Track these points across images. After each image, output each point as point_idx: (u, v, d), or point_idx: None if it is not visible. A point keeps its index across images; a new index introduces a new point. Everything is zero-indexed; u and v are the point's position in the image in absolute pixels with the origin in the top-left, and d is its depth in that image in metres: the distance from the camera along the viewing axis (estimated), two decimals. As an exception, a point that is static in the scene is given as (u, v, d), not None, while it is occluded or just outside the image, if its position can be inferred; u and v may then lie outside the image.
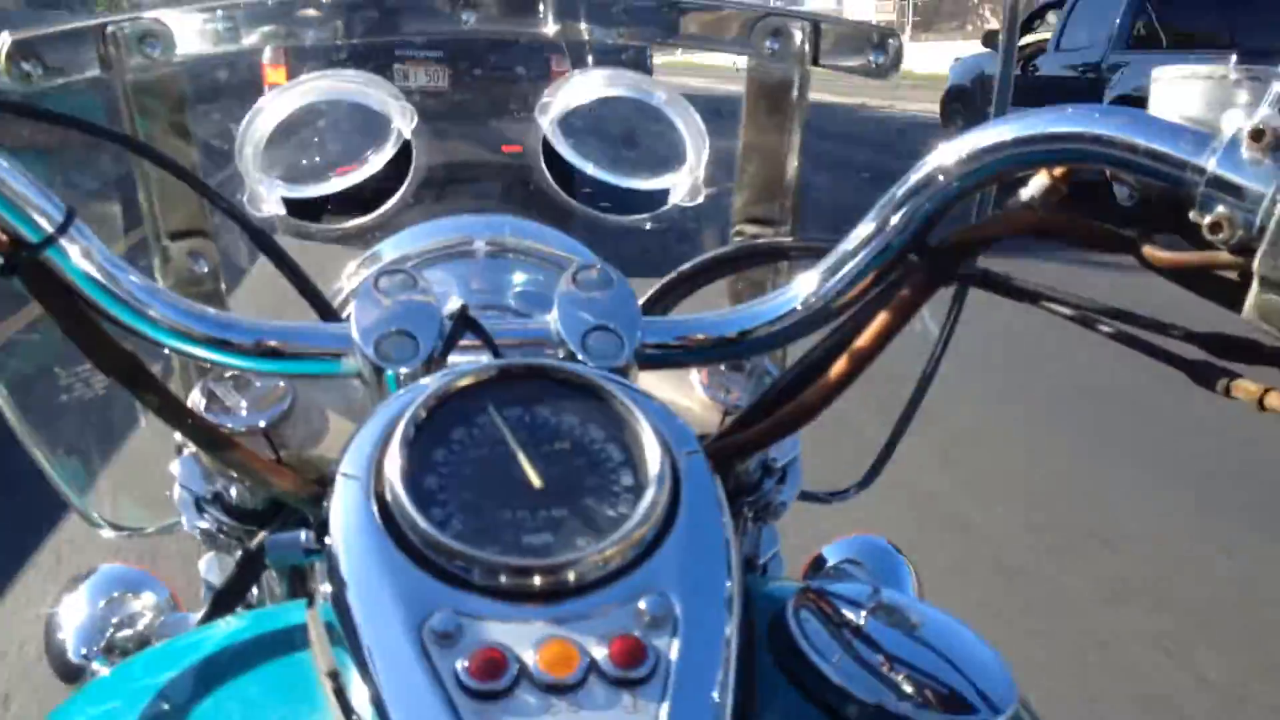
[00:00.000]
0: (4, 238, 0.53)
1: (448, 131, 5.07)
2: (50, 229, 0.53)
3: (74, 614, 0.99)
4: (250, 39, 0.83)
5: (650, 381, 0.57)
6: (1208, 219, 0.48)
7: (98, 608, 0.99)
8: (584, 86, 0.82)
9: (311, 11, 0.85)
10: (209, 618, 0.69)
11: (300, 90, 0.79)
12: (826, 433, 0.71)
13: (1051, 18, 9.93)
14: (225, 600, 0.68)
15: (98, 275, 0.55)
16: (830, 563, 1.02)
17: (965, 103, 10.82)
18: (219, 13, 0.82)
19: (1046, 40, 9.58)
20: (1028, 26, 10.21)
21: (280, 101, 0.79)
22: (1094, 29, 9.10)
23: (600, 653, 0.41)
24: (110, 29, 0.78)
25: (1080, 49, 9.14)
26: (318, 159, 0.81)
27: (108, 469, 1.07)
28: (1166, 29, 8.79)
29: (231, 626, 0.58)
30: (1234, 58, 0.51)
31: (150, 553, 1.66)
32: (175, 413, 0.57)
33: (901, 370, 0.81)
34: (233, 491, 0.70)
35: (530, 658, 0.41)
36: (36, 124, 0.60)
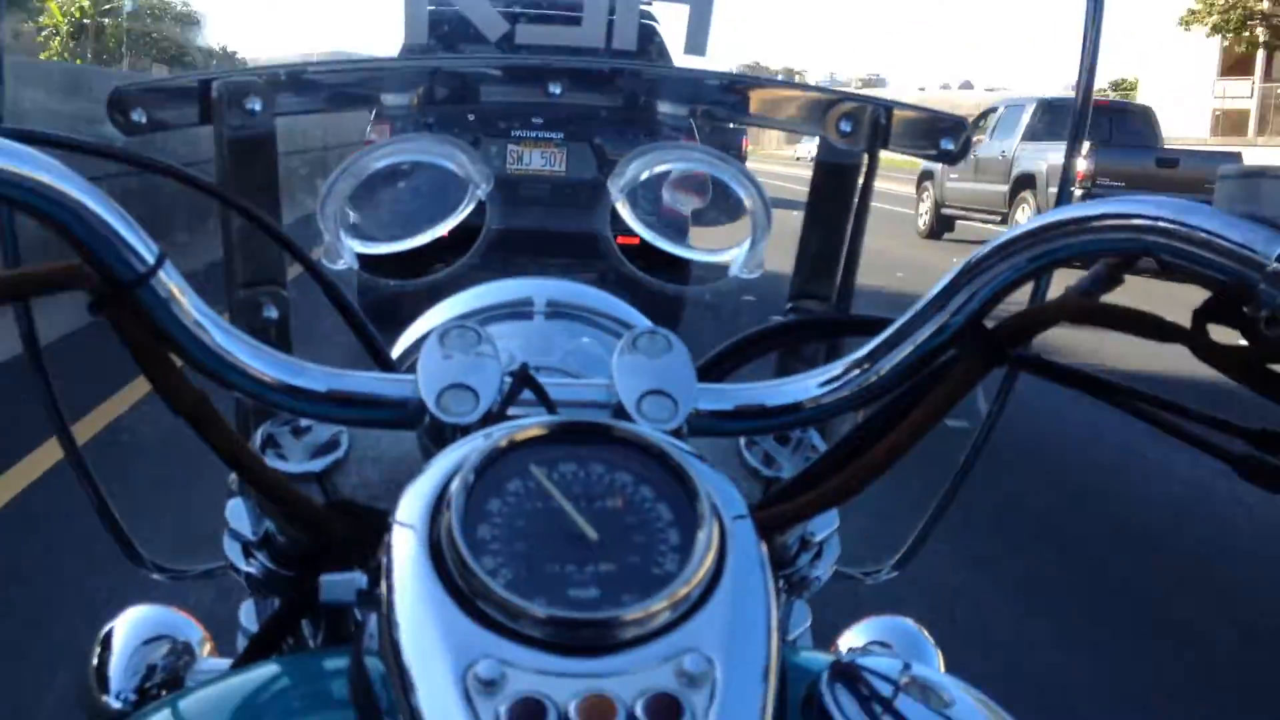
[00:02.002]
0: (94, 274, 0.52)
1: (561, 216, 4.75)
2: (142, 269, 0.52)
3: (108, 655, 0.96)
4: (345, 101, 0.84)
5: (697, 448, 0.56)
6: (1265, 314, 0.48)
7: (132, 650, 0.96)
8: (654, 159, 0.81)
9: (404, 77, 0.85)
10: (244, 661, 0.67)
11: (382, 152, 0.80)
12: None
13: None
14: (262, 645, 0.66)
15: (182, 318, 0.54)
16: (857, 643, 0.98)
17: (930, 179, 14.31)
18: (317, 75, 0.83)
19: (982, 135, 13.24)
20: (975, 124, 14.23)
21: (363, 162, 0.79)
22: (1010, 129, 13.19)
23: (638, 708, 0.41)
24: (214, 84, 0.78)
25: (1001, 140, 13.11)
26: (394, 218, 0.81)
27: (159, 511, 1.04)
28: (1057, 131, 12.03)
29: (270, 671, 0.57)
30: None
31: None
32: (235, 456, 0.57)
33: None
34: (280, 538, 0.69)
35: (570, 709, 0.40)
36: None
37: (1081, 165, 11.29)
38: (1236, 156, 12.90)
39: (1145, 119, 13.36)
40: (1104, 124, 12.34)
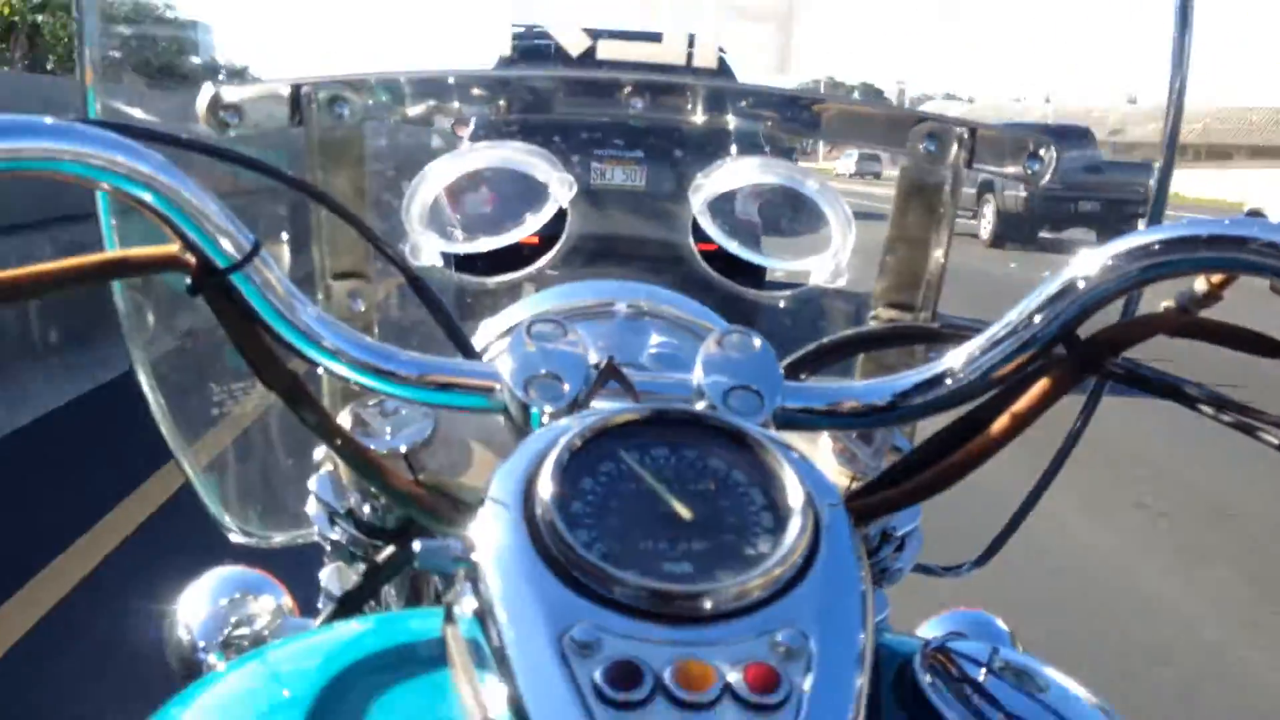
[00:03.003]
0: (193, 260, 0.54)
1: (641, 226, 4.88)
2: (238, 256, 0.54)
3: (194, 611, 0.95)
4: (429, 109, 0.85)
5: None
6: None
7: (218, 606, 0.95)
8: (738, 172, 0.83)
9: (489, 89, 0.87)
10: (329, 622, 0.68)
11: (469, 157, 0.81)
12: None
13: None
14: (347, 606, 0.67)
15: (277, 303, 0.56)
16: (937, 633, 0.91)
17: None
18: (403, 84, 0.84)
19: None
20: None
21: (450, 165, 0.81)
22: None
23: (735, 676, 0.41)
24: (305, 89, 0.80)
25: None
26: (478, 219, 0.83)
27: (244, 481, 1.05)
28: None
29: (361, 628, 0.57)
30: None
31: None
32: (328, 431, 0.58)
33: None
34: (365, 509, 0.71)
35: (667, 674, 0.40)
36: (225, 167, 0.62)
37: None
38: (1148, 166, 14.28)
39: (1084, 136, 15.08)
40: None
